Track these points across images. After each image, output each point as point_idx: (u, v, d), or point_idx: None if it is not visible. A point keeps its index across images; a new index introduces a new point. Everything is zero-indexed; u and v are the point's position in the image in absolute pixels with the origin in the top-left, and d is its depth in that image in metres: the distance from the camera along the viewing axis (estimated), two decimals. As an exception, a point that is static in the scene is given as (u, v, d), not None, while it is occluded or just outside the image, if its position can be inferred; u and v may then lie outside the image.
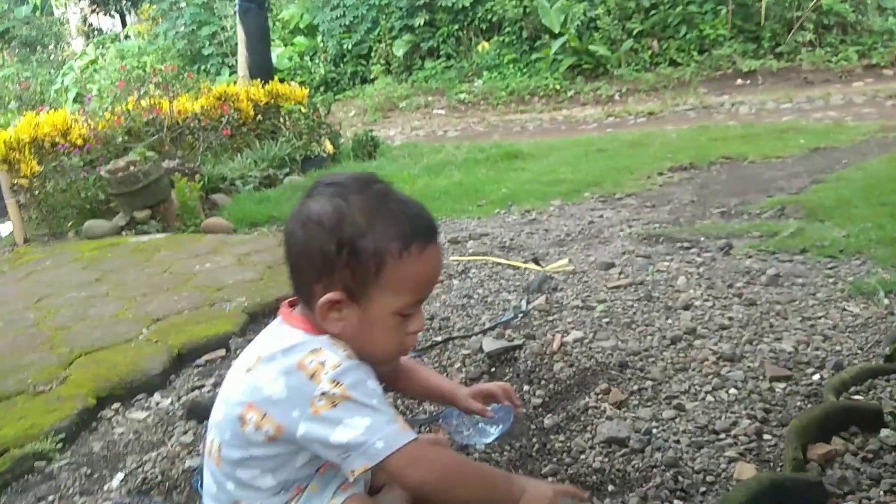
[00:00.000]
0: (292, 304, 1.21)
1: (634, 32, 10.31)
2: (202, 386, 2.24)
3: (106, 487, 1.73)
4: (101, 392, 2.22)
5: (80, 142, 5.15)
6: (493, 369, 2.01)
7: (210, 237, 4.16)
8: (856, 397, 1.44)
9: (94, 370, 2.36)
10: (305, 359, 1.09)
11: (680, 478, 1.34)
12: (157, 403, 2.19)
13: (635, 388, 1.74)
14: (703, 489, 1.30)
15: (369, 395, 1.08)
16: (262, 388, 1.11)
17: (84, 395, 2.18)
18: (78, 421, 2.07)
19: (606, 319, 2.20)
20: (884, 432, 1.28)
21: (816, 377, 1.65)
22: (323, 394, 1.06)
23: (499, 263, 3.04)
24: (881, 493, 1.14)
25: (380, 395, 1.10)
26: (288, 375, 1.09)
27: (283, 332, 1.16)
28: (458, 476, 1.12)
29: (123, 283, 3.39)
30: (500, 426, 1.53)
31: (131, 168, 4.63)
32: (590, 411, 1.66)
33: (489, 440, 1.58)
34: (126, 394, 2.24)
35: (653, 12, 10.34)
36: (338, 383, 1.06)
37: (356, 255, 1.08)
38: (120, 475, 1.77)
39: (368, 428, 1.05)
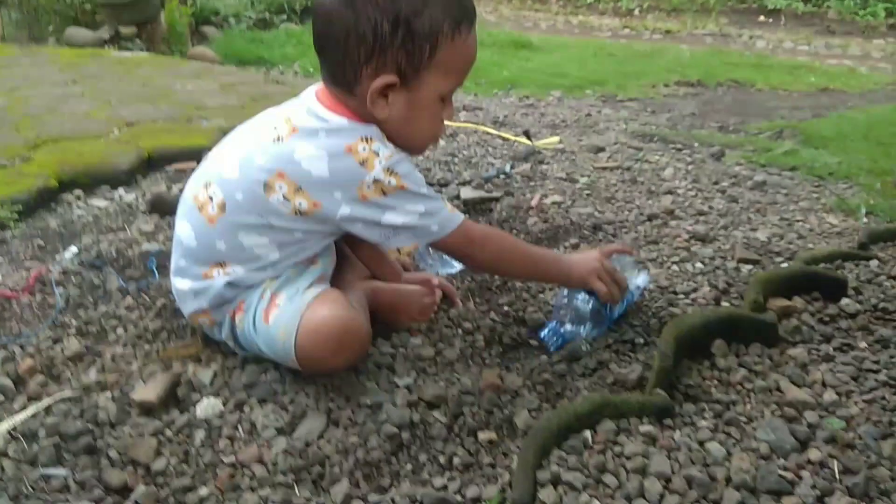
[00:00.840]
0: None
1: (668, -52, 9.82)
2: (169, 189, 2.19)
3: (58, 257, 1.70)
4: (64, 176, 2.15)
5: (70, -57, 4.82)
6: (467, 215, 1.98)
7: (195, 63, 4.00)
8: (824, 273, 1.44)
9: (60, 156, 2.28)
10: (357, 145, 1.08)
11: (634, 319, 1.35)
12: (121, 196, 2.14)
13: (605, 248, 1.73)
14: (656, 330, 1.30)
15: (420, 183, 1.13)
16: (299, 162, 1.08)
17: (46, 176, 2.12)
18: (37, 197, 2.01)
19: (588, 192, 2.18)
20: (844, 301, 1.29)
21: (784, 266, 1.65)
22: (376, 181, 1.07)
23: (489, 133, 2.97)
24: (831, 348, 1.16)
25: (427, 184, 1.15)
26: (334, 157, 1.08)
27: (323, 113, 1.12)
28: (508, 254, 1.22)
29: (100, 88, 3.25)
30: None
31: (122, -22, 4.38)
32: (556, 260, 1.65)
33: (453, 271, 1.59)
34: (90, 183, 2.17)
35: (691, -71, 9.82)
36: (393, 172, 1.08)
37: (411, 35, 1.04)
38: (74, 248, 1.74)
39: (423, 214, 1.11)
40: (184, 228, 1.19)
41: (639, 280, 1.38)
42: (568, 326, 1.29)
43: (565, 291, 1.31)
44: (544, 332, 1.30)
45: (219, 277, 1.16)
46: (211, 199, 1.14)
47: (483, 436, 1.04)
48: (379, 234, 1.12)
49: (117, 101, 2.98)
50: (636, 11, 9.08)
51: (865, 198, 2.30)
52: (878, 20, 8.61)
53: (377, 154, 1.08)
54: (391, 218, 1.10)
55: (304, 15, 5.68)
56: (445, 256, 1.59)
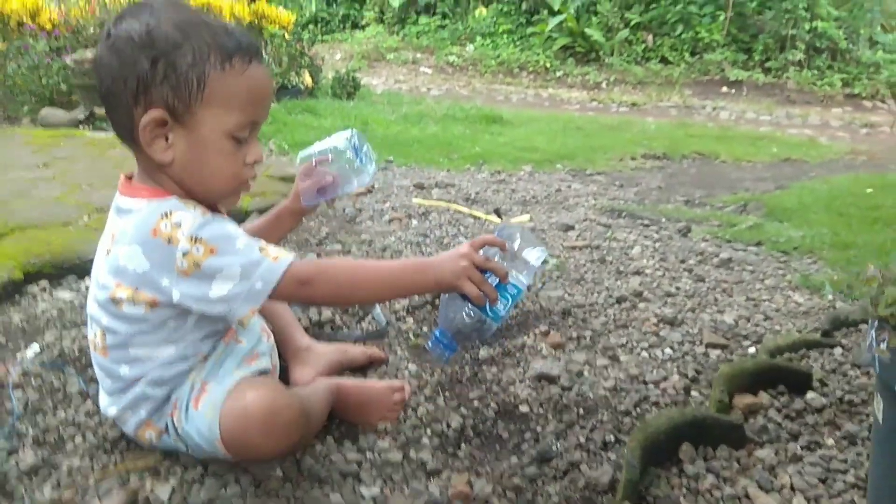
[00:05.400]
0: (131, 177, 1.15)
1: (632, 23, 10.28)
2: (137, 278, 2.16)
3: (18, 356, 1.66)
4: (30, 267, 2.12)
5: (48, 26, 4.91)
6: (436, 300, 1.99)
7: (171, 144, 4.03)
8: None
9: (27, 245, 2.25)
10: (158, 224, 1.04)
11: (605, 415, 1.34)
12: (87, 287, 2.11)
13: (574, 335, 1.74)
14: (627, 427, 1.29)
15: (231, 239, 1.05)
16: (125, 266, 1.07)
17: (11, 267, 2.08)
18: (1, 291, 1.98)
19: (557, 273, 2.19)
20: (810, 395, 1.30)
21: (752, 350, 1.66)
22: (185, 254, 1.02)
23: (460, 211, 3.01)
24: (798, 447, 1.15)
25: (242, 235, 1.07)
26: (146, 246, 1.04)
27: (125, 204, 1.11)
28: (349, 282, 1.12)
29: (72, 171, 3.25)
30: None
31: (98, 61, 4.44)
32: (526, 349, 1.65)
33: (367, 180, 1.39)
34: (56, 273, 2.14)
35: (653, 6, 10.32)
36: (197, 239, 1.03)
37: (173, 68, 1.03)
38: (35, 346, 1.70)
39: (242, 275, 1.03)
40: (98, 374, 1.21)
41: (529, 263, 1.18)
42: (456, 335, 1.17)
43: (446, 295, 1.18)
44: (430, 344, 1.19)
45: (140, 385, 1.15)
46: (95, 335, 1.17)
47: (451, 550, 1.01)
48: (218, 309, 1.05)
49: (88, 186, 2.98)
50: (603, 84, 9.41)
51: (830, 274, 2.35)
52: (834, 90, 9.01)
53: (179, 226, 1.03)
54: (217, 290, 1.03)
55: (281, 93, 5.79)
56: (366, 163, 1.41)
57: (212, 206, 1.18)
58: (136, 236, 1.06)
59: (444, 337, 1.17)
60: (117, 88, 1.05)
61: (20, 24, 4.87)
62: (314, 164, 1.40)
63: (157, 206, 1.06)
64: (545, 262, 1.18)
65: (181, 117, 1.05)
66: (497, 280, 1.13)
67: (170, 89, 1.03)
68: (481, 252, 1.14)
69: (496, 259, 1.15)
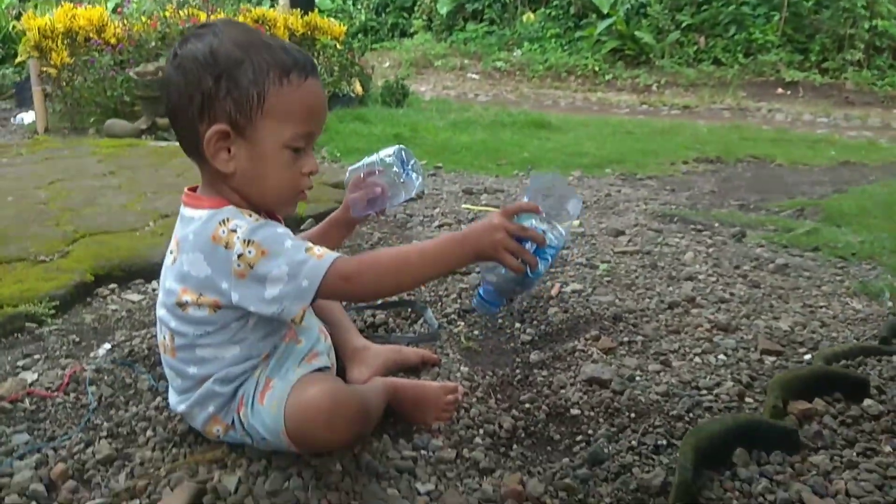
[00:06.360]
0: (194, 189, 1.22)
1: (683, 25, 10.14)
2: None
3: (92, 354, 1.75)
4: (100, 270, 2.24)
5: (113, 41, 5.14)
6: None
7: (228, 152, 4.17)
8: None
9: (96, 250, 2.38)
10: (217, 231, 1.11)
11: (657, 419, 1.34)
12: (154, 290, 2.21)
13: (625, 339, 1.74)
14: (679, 432, 1.30)
15: (280, 240, 1.10)
16: (189, 272, 1.13)
17: (83, 270, 2.20)
18: (73, 292, 2.09)
19: (608, 278, 2.20)
20: (867, 402, 1.28)
21: (808, 357, 1.64)
22: (240, 256, 1.08)
23: (509, 217, 3.03)
24: (854, 453, 1.14)
25: (290, 236, 1.12)
26: (207, 253, 1.11)
27: (187, 213, 1.18)
28: (391, 272, 1.12)
29: (136, 179, 3.40)
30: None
31: (160, 73, 4.62)
32: (577, 353, 1.67)
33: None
34: (124, 276, 2.25)
35: (704, 7, 10.16)
36: (250, 242, 1.08)
37: (235, 84, 1.10)
38: (107, 345, 1.79)
39: (290, 274, 1.07)
40: (168, 374, 1.29)
41: (568, 213, 1.16)
42: (499, 292, 1.19)
43: None
44: (476, 301, 1.22)
45: (207, 383, 1.21)
46: (164, 337, 1.23)
47: (505, 546, 1.04)
48: (272, 310, 1.09)
49: (152, 193, 3.11)
50: (654, 87, 9.29)
51: (889, 280, 2.29)
52: (896, 90, 8.69)
53: (235, 231, 1.09)
54: (270, 290, 1.07)
55: (333, 102, 5.90)
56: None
57: (270, 215, 1.24)
58: (198, 243, 1.13)
59: (489, 294, 1.20)
60: (183, 105, 1.13)
61: (87, 39, 5.10)
62: (363, 176, 1.45)
63: (216, 214, 1.13)
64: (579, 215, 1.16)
65: (243, 130, 1.12)
66: (535, 245, 1.12)
67: (232, 104, 1.10)
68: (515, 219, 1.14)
69: (532, 223, 1.13)
